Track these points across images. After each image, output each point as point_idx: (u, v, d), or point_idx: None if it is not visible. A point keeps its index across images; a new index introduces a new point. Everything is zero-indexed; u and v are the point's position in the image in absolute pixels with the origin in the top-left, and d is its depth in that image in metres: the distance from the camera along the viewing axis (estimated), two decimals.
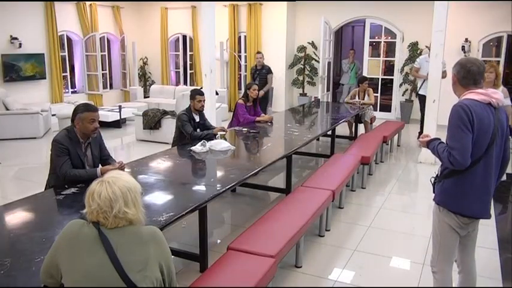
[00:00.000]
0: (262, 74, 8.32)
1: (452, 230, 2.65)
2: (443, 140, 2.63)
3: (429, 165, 6.84)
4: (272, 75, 8.40)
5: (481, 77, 2.59)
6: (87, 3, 11.47)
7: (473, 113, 2.43)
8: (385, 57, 11.60)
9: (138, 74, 13.18)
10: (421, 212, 5.13)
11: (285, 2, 11.19)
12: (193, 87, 7.23)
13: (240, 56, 12.27)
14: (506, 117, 2.64)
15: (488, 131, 2.49)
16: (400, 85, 10.61)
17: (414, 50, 10.13)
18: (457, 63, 2.64)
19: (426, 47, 8.76)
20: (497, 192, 5.42)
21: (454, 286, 2.82)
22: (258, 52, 8.56)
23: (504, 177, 3.29)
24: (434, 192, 2.74)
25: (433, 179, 2.76)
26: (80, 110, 3.41)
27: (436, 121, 6.87)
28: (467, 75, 2.58)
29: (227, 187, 3.50)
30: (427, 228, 4.39)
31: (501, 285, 3.47)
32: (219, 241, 4.32)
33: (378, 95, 11.04)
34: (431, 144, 2.66)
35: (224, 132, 5.12)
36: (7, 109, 8.75)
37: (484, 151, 2.50)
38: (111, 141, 8.52)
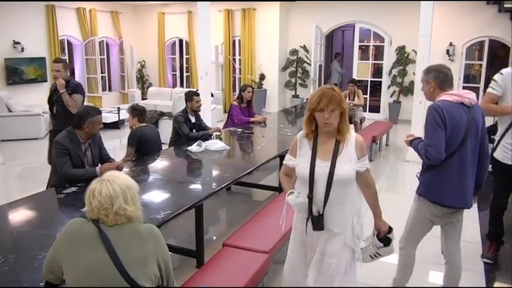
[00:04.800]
0: (64, 95, 4.75)
1: (425, 219, 2.83)
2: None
3: (416, 164, 6.94)
4: (80, 97, 4.83)
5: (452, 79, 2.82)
6: (87, 8, 11.60)
7: (445, 112, 2.61)
8: (374, 60, 11.83)
9: (136, 76, 13.23)
10: (408, 208, 5.12)
11: (278, 8, 11.35)
12: (189, 89, 7.00)
13: (234, 59, 12.42)
14: (483, 115, 2.79)
15: (461, 128, 2.65)
16: (388, 87, 10.82)
17: (402, 54, 10.37)
18: (432, 70, 2.80)
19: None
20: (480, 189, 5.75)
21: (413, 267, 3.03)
22: (56, 61, 4.99)
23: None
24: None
25: (418, 174, 2.93)
26: (92, 114, 3.52)
27: (423, 122, 7.15)
28: (446, 78, 2.77)
29: (222, 186, 3.54)
30: None
31: (484, 278, 3.55)
32: (214, 238, 4.36)
33: (367, 96, 11.17)
34: (413, 143, 2.84)
35: (219, 133, 5.19)
36: (10, 111, 8.81)
37: (459, 145, 2.66)
38: (110, 141, 8.50)
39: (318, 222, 2.34)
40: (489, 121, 9.98)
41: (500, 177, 3.73)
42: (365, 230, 2.47)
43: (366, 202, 2.55)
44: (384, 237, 2.50)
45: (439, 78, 2.76)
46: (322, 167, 2.30)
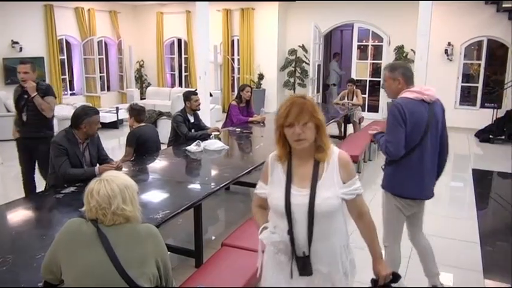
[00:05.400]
0: (36, 98, 4.42)
1: (398, 211, 2.96)
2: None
3: None
4: (53, 99, 4.56)
5: None
6: (85, 8, 11.61)
7: (405, 110, 2.73)
8: (373, 59, 11.88)
9: (135, 76, 13.27)
10: None
11: (276, 7, 11.36)
12: (187, 89, 7.16)
13: (233, 59, 12.44)
14: (443, 110, 2.92)
15: (421, 124, 2.77)
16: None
17: (400, 53, 10.37)
18: (398, 67, 2.89)
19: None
20: (478, 188, 5.79)
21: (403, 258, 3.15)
22: (23, 62, 4.63)
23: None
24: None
25: (383, 167, 3.09)
26: (89, 114, 3.50)
27: None
28: (411, 75, 2.89)
29: (221, 185, 3.52)
30: None
31: (482, 277, 3.56)
32: (213, 237, 4.37)
33: (366, 96, 11.19)
34: (377, 137, 2.98)
35: (218, 133, 5.22)
36: (8, 111, 8.80)
37: (419, 141, 2.79)
38: (109, 141, 8.54)
39: (304, 265, 1.87)
40: (488, 120, 9.96)
41: None
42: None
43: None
44: (384, 285, 1.99)
45: (406, 75, 2.85)
46: (299, 197, 1.84)
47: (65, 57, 11.75)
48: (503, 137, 8.66)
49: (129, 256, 1.77)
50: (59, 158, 3.41)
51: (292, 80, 11.76)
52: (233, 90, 12.34)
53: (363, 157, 6.79)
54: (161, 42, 13.26)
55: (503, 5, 8.80)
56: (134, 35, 13.37)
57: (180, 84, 13.79)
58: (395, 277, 1.99)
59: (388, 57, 10.74)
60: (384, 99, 11.06)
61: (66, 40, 11.68)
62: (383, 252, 3.11)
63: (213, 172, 4.24)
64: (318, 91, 11.09)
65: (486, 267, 3.73)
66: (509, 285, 3.57)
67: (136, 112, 4.67)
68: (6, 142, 8.36)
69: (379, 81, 11.26)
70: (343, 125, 8.54)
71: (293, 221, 1.85)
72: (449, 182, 6.62)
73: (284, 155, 1.91)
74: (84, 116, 3.48)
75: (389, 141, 2.80)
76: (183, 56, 13.51)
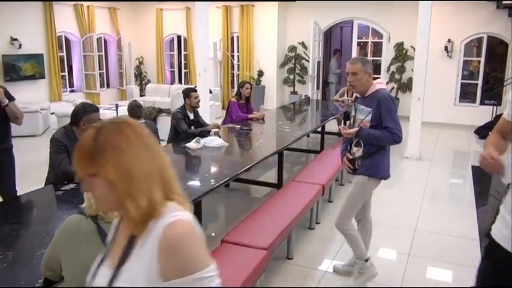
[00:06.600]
0: (10, 106, 3.76)
1: (370, 193, 3.29)
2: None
3: (414, 160, 7.07)
4: (14, 103, 3.84)
5: None
6: (85, 5, 11.59)
7: (393, 99, 3.09)
8: (373, 56, 11.81)
9: (134, 73, 13.26)
10: (406, 205, 5.23)
11: (276, 4, 11.34)
12: (187, 86, 7.15)
13: (232, 56, 12.43)
14: None
15: None
16: (387, 83, 10.74)
17: (400, 50, 10.39)
18: (366, 62, 3.10)
19: None
20: (478, 185, 5.80)
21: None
22: None
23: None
24: (356, 167, 3.17)
25: (350, 156, 3.19)
26: (88, 111, 3.46)
27: (421, 119, 7.17)
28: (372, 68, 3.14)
29: (221, 182, 3.52)
30: (412, 220, 4.58)
31: None
32: (213, 234, 4.36)
33: None
34: (363, 131, 3.06)
35: (218, 129, 5.22)
36: None
37: None
38: None
39: None
40: (487, 117, 9.97)
41: None
42: None
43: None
44: None
45: (372, 69, 3.10)
46: (102, 278, 1.22)
47: (64, 54, 11.74)
48: None
49: None
50: (59, 155, 3.37)
51: (291, 76, 11.76)
52: (233, 87, 12.31)
53: None
54: (161, 39, 13.22)
55: (503, 2, 8.79)
56: (134, 32, 13.34)
57: (180, 81, 13.77)
58: None
59: (388, 54, 10.75)
60: None
61: (65, 37, 11.66)
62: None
63: (213, 169, 4.25)
64: (317, 88, 11.09)
65: None
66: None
67: (130, 109, 4.64)
68: None
69: (379, 77, 11.22)
70: (342, 122, 8.53)
71: None
72: (449, 179, 6.63)
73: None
74: (83, 113, 3.45)
75: (396, 128, 2.99)
76: (183, 52, 13.47)
